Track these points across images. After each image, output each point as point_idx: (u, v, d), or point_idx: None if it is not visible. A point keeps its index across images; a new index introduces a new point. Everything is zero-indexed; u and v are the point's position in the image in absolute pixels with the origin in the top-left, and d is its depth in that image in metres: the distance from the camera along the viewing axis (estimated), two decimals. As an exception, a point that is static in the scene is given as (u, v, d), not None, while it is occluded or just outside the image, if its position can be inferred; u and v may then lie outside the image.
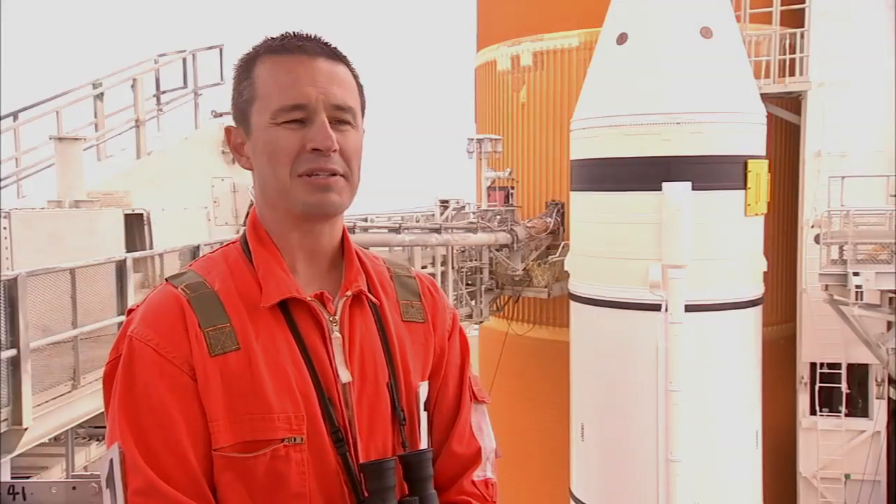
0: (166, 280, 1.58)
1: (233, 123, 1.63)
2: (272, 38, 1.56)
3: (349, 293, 1.60)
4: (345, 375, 1.56)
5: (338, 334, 1.57)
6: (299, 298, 1.54)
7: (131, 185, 9.09)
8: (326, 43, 1.56)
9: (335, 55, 1.56)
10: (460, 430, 1.72)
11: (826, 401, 13.76)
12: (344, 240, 1.66)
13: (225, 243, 1.68)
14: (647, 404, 9.80)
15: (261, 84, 1.52)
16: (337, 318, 1.58)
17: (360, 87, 1.61)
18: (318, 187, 1.51)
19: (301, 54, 1.52)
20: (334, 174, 1.51)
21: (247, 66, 1.56)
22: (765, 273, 10.55)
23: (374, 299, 1.65)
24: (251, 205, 1.70)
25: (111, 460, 1.44)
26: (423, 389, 1.68)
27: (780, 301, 14.08)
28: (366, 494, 1.51)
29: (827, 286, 12.29)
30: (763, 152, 10.25)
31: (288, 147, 1.49)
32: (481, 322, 14.64)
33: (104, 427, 1.56)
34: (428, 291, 1.77)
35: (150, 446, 1.44)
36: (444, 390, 1.74)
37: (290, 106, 1.49)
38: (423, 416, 1.68)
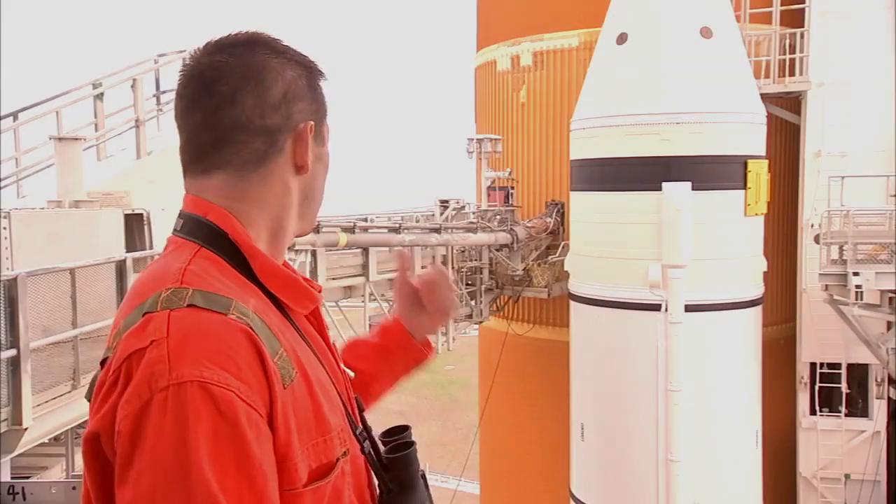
0: (191, 306, 1.28)
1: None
2: (309, 59, 1.59)
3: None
4: (350, 371, 1.60)
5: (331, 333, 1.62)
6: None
7: (131, 185, 9.09)
8: None
9: None
10: None
11: (826, 401, 13.77)
12: None
13: (184, 254, 1.41)
14: (647, 404, 9.79)
15: (325, 104, 1.58)
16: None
17: None
18: None
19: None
20: None
21: (315, 79, 1.57)
22: (765, 273, 10.55)
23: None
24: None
25: None
26: None
27: (780, 301, 14.08)
28: (390, 485, 1.54)
29: (827, 286, 12.29)
30: (763, 152, 10.25)
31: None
32: (481, 322, 14.65)
33: None
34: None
35: None
36: None
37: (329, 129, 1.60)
38: None
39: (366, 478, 1.52)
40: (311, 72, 1.55)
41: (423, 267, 12.04)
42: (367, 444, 1.52)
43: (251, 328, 1.28)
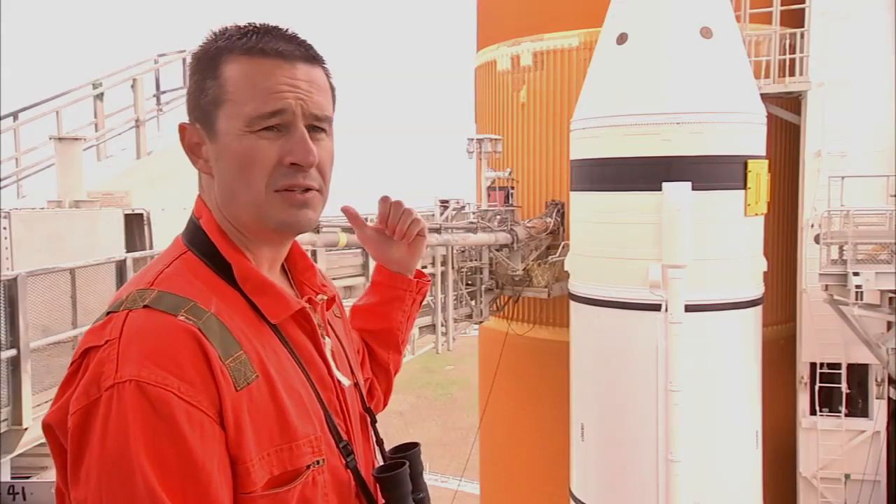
0: (146, 307, 1.30)
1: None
2: (242, 35, 1.41)
3: (323, 297, 1.60)
4: (344, 380, 1.56)
5: (328, 339, 1.56)
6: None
7: (131, 185, 9.10)
8: (302, 42, 1.45)
9: (313, 58, 1.46)
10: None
11: (826, 401, 13.76)
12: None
13: (169, 256, 1.45)
14: (647, 404, 9.79)
15: (232, 86, 1.38)
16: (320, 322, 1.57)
17: (333, 89, 1.51)
18: (295, 204, 1.42)
19: (279, 59, 1.40)
20: (309, 189, 1.42)
21: (213, 63, 1.41)
22: (765, 273, 10.55)
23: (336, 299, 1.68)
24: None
25: None
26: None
27: (780, 301, 14.08)
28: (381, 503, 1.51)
29: (827, 286, 12.29)
30: (763, 152, 10.24)
31: (264, 159, 1.38)
32: (481, 322, 14.64)
33: None
34: (329, 283, 1.76)
35: None
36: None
37: (267, 113, 1.37)
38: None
39: (353, 493, 1.48)
40: (211, 60, 1.41)
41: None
42: (351, 458, 1.48)
43: (200, 329, 1.28)
